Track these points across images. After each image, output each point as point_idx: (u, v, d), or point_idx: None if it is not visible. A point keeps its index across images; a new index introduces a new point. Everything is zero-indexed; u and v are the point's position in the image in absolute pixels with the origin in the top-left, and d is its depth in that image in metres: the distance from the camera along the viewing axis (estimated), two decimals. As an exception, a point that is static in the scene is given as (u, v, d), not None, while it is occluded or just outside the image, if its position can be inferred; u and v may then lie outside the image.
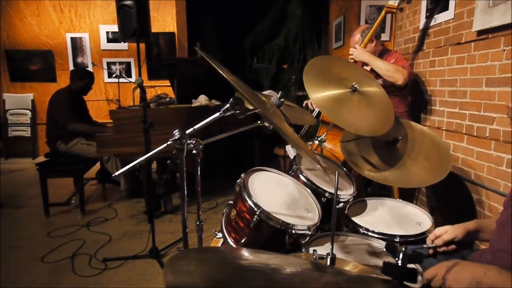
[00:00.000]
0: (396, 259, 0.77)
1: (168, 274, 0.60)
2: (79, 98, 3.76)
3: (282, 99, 1.28)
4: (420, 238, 1.43)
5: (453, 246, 1.27)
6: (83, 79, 3.65)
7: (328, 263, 0.99)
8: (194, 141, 1.24)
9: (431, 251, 1.30)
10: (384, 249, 0.75)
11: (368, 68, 2.51)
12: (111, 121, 2.96)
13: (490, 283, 0.75)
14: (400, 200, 1.80)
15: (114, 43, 5.71)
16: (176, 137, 1.17)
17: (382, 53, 2.57)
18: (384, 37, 3.34)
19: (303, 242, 1.34)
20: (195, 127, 1.21)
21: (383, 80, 2.34)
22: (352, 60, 2.48)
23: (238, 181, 1.45)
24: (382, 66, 2.31)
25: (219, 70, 1.04)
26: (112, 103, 5.83)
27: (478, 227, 1.26)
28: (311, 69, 1.67)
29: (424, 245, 1.30)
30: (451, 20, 2.27)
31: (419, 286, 1.06)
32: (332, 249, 0.99)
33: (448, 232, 1.26)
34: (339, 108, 1.60)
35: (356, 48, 2.47)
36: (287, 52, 5.37)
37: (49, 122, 3.57)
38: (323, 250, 1.26)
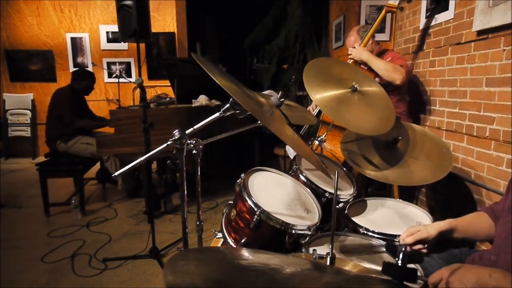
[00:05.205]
0: (396, 259, 0.77)
1: (168, 274, 0.61)
2: (80, 98, 3.79)
3: (282, 99, 1.27)
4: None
5: (421, 246, 1.23)
6: (86, 79, 3.70)
7: (328, 263, 0.99)
8: (194, 141, 1.24)
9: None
10: (384, 249, 0.75)
11: (365, 67, 2.51)
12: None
13: (495, 284, 0.73)
14: (400, 200, 1.80)
15: (114, 43, 5.70)
16: (176, 137, 1.17)
17: (379, 52, 2.56)
18: (384, 37, 3.34)
19: (303, 242, 1.34)
20: (195, 127, 1.21)
21: (381, 79, 2.34)
22: (351, 61, 2.47)
23: (238, 181, 1.46)
24: (380, 66, 2.30)
25: (213, 76, 1.03)
26: (112, 103, 5.83)
27: (451, 227, 1.23)
28: (311, 70, 1.67)
29: (396, 241, 1.27)
30: (451, 20, 2.27)
31: (418, 286, 1.06)
32: (332, 249, 0.99)
33: (421, 231, 1.22)
34: (340, 108, 1.60)
35: (355, 47, 2.46)
36: (287, 52, 5.36)
37: (50, 120, 3.57)
38: (323, 250, 1.26)
